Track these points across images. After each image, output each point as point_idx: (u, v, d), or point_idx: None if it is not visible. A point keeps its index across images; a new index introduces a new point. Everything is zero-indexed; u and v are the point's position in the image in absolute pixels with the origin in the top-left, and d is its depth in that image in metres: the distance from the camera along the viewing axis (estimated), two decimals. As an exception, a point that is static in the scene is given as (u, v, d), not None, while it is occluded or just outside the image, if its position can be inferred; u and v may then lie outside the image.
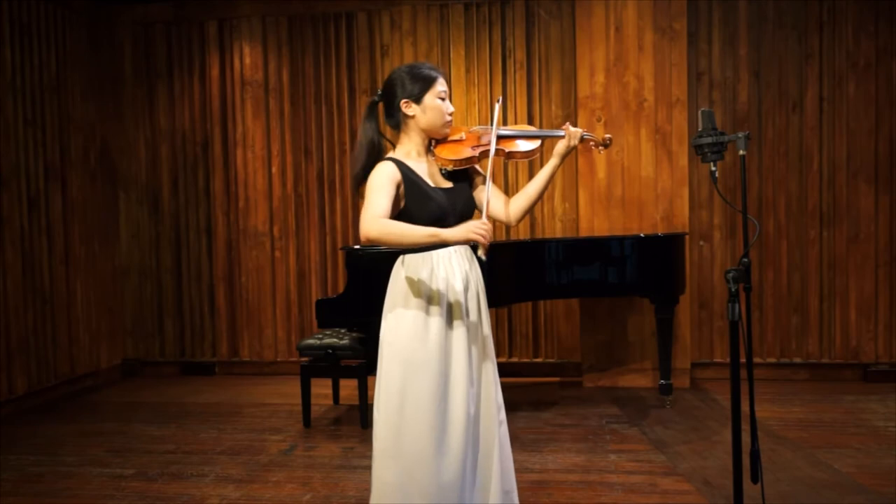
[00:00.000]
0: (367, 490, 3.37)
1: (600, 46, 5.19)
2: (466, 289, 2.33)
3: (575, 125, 5.39)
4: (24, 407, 5.04)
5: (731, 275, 2.43)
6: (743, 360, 2.52)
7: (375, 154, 2.35)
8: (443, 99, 2.34)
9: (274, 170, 5.95)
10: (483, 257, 2.18)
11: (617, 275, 4.53)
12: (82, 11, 5.73)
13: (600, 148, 2.51)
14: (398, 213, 2.28)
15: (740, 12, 5.36)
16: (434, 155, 2.39)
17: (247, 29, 5.94)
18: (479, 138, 2.41)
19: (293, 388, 5.23)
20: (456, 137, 2.42)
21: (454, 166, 2.37)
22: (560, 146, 2.42)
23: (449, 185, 2.38)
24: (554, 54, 5.58)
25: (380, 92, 2.40)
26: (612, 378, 5.29)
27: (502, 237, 5.50)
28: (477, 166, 2.46)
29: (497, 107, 2.44)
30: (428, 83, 2.32)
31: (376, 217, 2.17)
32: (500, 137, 2.40)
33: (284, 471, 3.70)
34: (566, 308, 5.60)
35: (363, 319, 4.24)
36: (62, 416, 4.90)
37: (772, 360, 5.41)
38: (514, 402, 4.84)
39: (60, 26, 5.49)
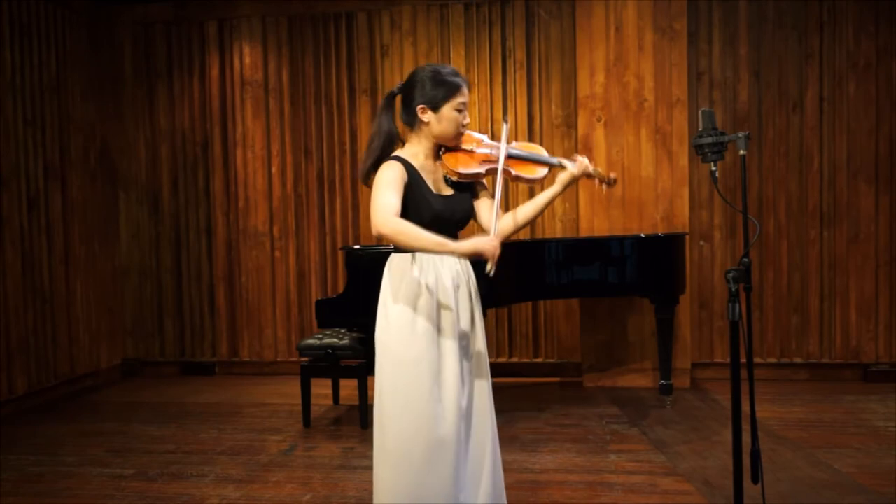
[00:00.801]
0: (367, 490, 3.37)
1: (600, 46, 5.19)
2: (457, 287, 2.32)
3: (575, 125, 5.41)
4: (24, 407, 5.04)
5: (731, 275, 2.43)
6: (743, 360, 2.52)
7: (390, 147, 2.35)
8: (460, 111, 2.31)
9: (274, 170, 5.95)
10: (490, 273, 2.14)
11: (617, 275, 4.53)
12: (82, 11, 5.73)
13: (604, 186, 2.52)
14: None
15: (740, 12, 5.36)
16: (441, 161, 2.37)
17: (247, 29, 5.94)
18: (489, 154, 2.38)
19: (293, 388, 5.23)
20: (467, 147, 2.39)
21: (460, 179, 2.36)
22: (565, 175, 2.41)
23: (450, 192, 2.37)
24: (554, 54, 5.58)
25: (401, 85, 2.37)
26: (612, 378, 5.29)
27: (502, 237, 5.49)
28: (483, 180, 2.45)
29: (504, 128, 2.38)
30: (450, 93, 2.29)
31: (390, 214, 2.15)
32: (509, 157, 2.38)
33: (284, 471, 3.70)
34: (566, 308, 5.60)
35: (363, 319, 4.23)
36: (62, 416, 4.89)
37: (772, 360, 5.41)
38: (515, 402, 4.85)
39: (60, 26, 5.49)
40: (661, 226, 5.14)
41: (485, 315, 4.45)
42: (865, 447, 3.82)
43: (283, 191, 5.95)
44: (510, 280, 4.37)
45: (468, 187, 2.42)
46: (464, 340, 2.33)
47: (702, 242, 5.46)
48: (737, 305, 2.44)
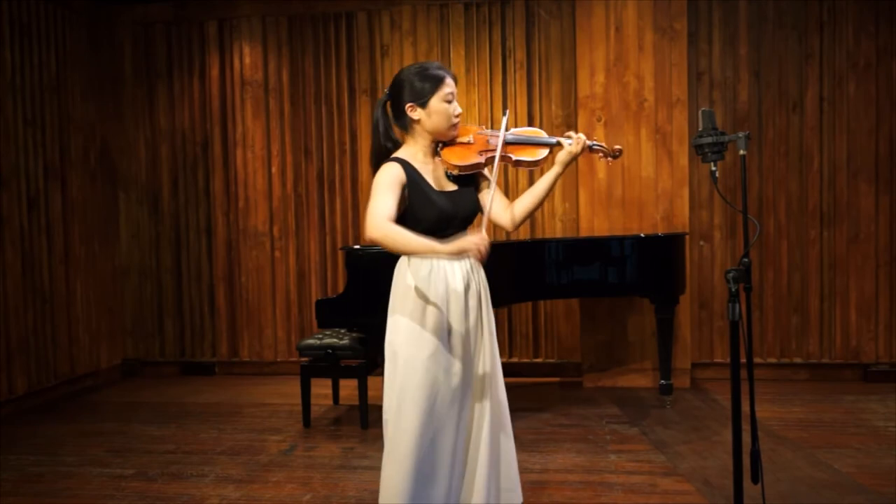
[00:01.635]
0: (367, 490, 3.38)
1: (600, 46, 5.19)
2: (467, 289, 2.32)
3: (575, 125, 5.41)
4: (24, 407, 5.04)
5: (731, 275, 2.43)
6: (743, 360, 2.52)
7: (389, 146, 2.36)
8: (449, 101, 2.29)
9: (274, 170, 5.95)
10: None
11: (617, 275, 4.53)
12: (82, 11, 5.73)
13: (609, 159, 2.48)
14: (402, 214, 2.26)
15: (740, 12, 5.36)
16: (441, 157, 2.36)
17: (247, 29, 5.94)
18: (486, 142, 2.37)
19: (293, 388, 5.23)
20: (464, 140, 2.37)
21: (460, 171, 2.35)
22: (563, 154, 2.37)
23: (453, 188, 2.37)
24: (554, 54, 5.58)
25: (387, 92, 2.37)
26: (612, 378, 5.29)
27: (502, 237, 5.49)
28: (484, 170, 2.44)
29: (505, 118, 2.37)
30: (434, 85, 2.28)
31: (383, 218, 2.16)
32: (507, 143, 2.37)
33: (284, 471, 3.70)
34: (566, 308, 5.60)
35: (363, 319, 4.24)
36: (62, 416, 4.89)
37: (772, 360, 5.41)
38: (514, 402, 4.82)
39: (60, 26, 5.49)
40: (661, 226, 5.14)
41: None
42: (865, 447, 3.81)
43: (283, 191, 5.95)
44: (510, 280, 4.37)
45: (471, 180, 2.41)
46: (473, 341, 2.33)
47: (702, 242, 5.46)
48: (737, 305, 2.44)
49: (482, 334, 2.36)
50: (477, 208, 2.41)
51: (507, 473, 2.41)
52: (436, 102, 2.28)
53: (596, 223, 5.22)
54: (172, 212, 6.09)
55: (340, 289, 5.76)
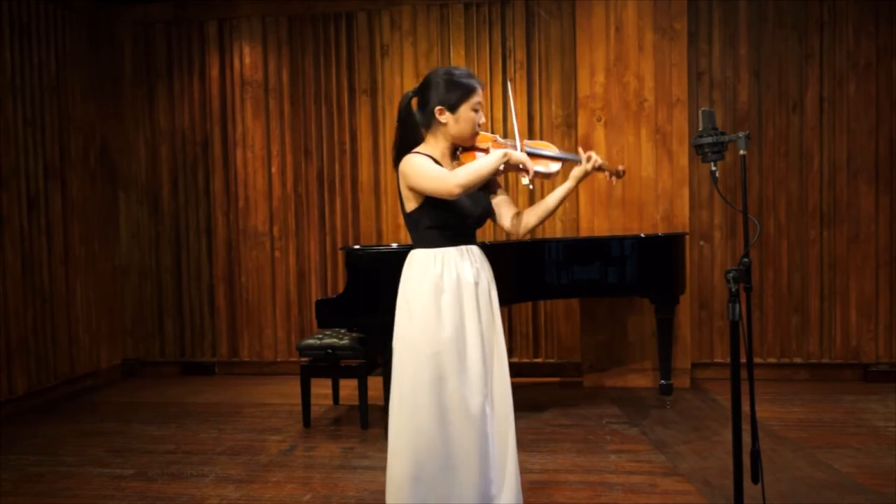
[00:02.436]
0: (367, 490, 3.38)
1: (600, 46, 5.19)
2: (477, 283, 2.36)
3: (575, 125, 5.41)
4: (24, 407, 5.03)
5: (731, 275, 2.43)
6: (743, 360, 2.52)
7: (412, 138, 2.42)
8: (476, 111, 2.37)
9: (274, 170, 5.95)
10: (530, 185, 2.35)
11: (617, 275, 4.53)
12: (82, 11, 5.72)
13: (613, 178, 2.59)
14: (419, 206, 2.33)
15: (740, 12, 5.36)
16: (459, 161, 2.42)
17: (247, 29, 5.94)
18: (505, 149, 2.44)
19: (293, 388, 5.23)
20: (482, 146, 2.45)
21: None
22: (577, 170, 2.48)
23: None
24: (554, 54, 5.58)
25: (416, 88, 2.43)
26: (612, 378, 5.29)
27: (503, 237, 5.49)
28: (498, 179, 2.54)
29: (508, 90, 2.50)
30: (466, 94, 2.34)
31: (446, 173, 2.26)
32: (528, 155, 2.44)
33: (284, 471, 3.70)
34: (566, 308, 5.60)
35: (363, 319, 4.23)
36: (62, 416, 4.89)
37: (772, 360, 5.41)
38: (515, 402, 4.82)
39: (60, 26, 5.49)
40: (661, 226, 5.14)
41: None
42: (865, 447, 3.81)
43: (283, 191, 5.95)
44: (510, 280, 4.37)
45: (485, 187, 2.47)
46: (485, 336, 2.36)
47: (702, 242, 5.46)
48: (737, 305, 2.44)
49: (494, 329, 2.41)
50: (490, 213, 2.50)
51: (517, 474, 2.44)
52: (465, 110, 2.35)
53: (596, 223, 5.22)
54: (172, 212, 6.09)
55: (340, 289, 5.76)
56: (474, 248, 2.42)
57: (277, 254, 5.97)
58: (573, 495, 3.28)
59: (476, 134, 2.41)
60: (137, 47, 6.07)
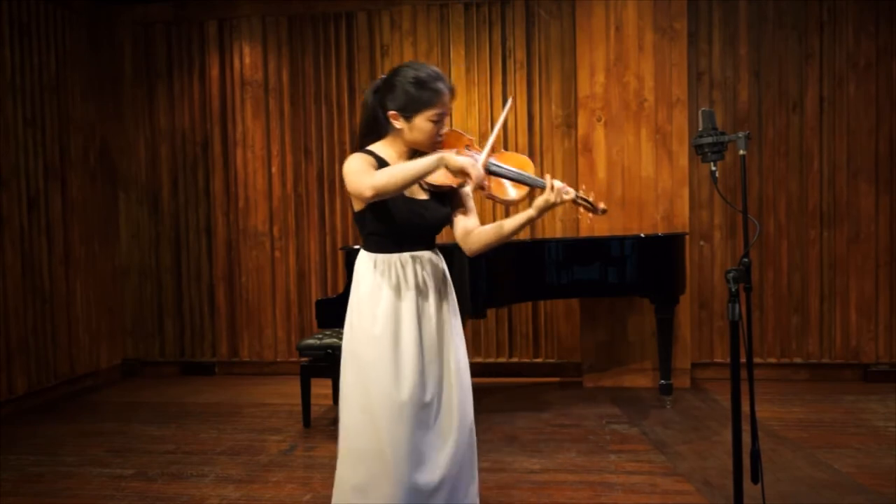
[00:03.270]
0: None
1: (600, 46, 5.19)
2: (420, 290, 2.24)
3: (575, 125, 5.40)
4: (24, 407, 5.03)
5: (731, 275, 2.43)
6: (743, 360, 2.52)
7: (375, 133, 2.28)
8: (435, 122, 2.19)
9: (274, 170, 5.95)
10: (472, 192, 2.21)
11: (617, 275, 4.53)
12: (82, 11, 5.72)
13: (589, 215, 2.29)
14: (362, 209, 2.21)
15: (740, 12, 5.36)
16: None
17: (247, 29, 5.94)
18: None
19: (293, 388, 5.22)
20: (451, 152, 2.24)
21: (429, 188, 2.24)
22: (539, 200, 2.18)
23: (424, 197, 2.26)
24: (554, 54, 5.58)
25: (383, 79, 2.28)
26: (612, 378, 5.28)
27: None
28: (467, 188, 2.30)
29: (506, 106, 2.29)
30: (425, 104, 2.17)
31: (366, 175, 2.08)
32: (488, 171, 2.23)
33: (284, 471, 3.70)
34: (566, 308, 5.59)
35: (363, 319, 4.23)
36: (62, 416, 4.89)
37: (772, 360, 5.41)
38: (515, 402, 4.85)
39: (60, 26, 5.49)
40: (661, 226, 5.14)
41: (484, 315, 4.47)
42: (865, 447, 3.82)
43: (283, 191, 5.95)
44: (510, 280, 4.37)
45: (447, 199, 2.30)
46: (426, 345, 2.23)
47: (702, 242, 5.46)
48: (737, 305, 2.45)
49: (443, 337, 2.27)
50: (445, 222, 2.30)
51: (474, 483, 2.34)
52: (420, 120, 2.19)
53: (596, 223, 5.19)
54: (172, 212, 6.09)
55: (340, 289, 5.76)
56: (425, 255, 2.26)
57: (277, 254, 5.97)
58: (573, 495, 3.28)
59: (436, 144, 2.23)
60: (137, 47, 6.07)
